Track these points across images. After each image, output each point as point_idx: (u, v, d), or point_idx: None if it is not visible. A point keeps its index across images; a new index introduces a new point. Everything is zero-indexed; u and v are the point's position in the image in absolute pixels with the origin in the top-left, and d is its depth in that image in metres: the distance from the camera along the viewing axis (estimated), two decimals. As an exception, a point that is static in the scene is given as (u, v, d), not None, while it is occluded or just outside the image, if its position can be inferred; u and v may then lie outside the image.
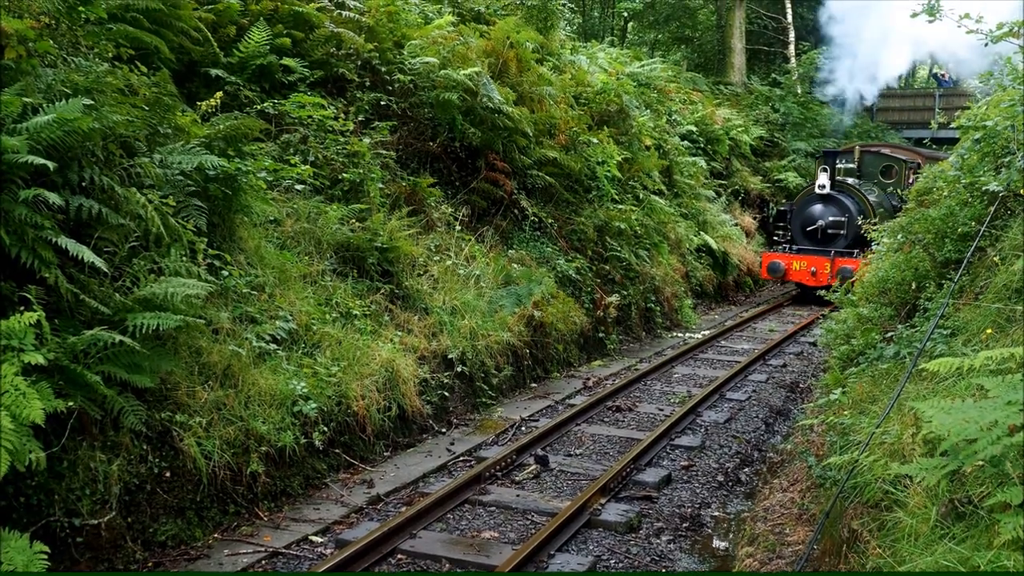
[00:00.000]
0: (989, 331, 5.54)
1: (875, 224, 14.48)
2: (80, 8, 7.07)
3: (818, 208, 19.35)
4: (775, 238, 20.30)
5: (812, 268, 18.72)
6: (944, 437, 3.08)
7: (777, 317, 18.56)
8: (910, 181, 18.91)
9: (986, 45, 8.73)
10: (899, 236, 8.83)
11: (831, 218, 19.07)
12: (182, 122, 7.82)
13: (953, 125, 9.74)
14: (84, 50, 7.24)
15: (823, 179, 19.09)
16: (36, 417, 4.81)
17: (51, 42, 6.66)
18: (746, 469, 8.75)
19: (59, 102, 5.99)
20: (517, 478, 8.07)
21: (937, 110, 32.19)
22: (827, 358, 8.90)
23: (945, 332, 6.28)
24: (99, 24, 7.57)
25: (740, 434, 9.73)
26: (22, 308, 5.33)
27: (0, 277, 5.52)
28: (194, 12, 9.68)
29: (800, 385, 12.05)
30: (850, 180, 20.10)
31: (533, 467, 8.30)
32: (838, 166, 20.08)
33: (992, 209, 7.09)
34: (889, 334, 7.48)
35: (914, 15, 8.65)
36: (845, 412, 6.29)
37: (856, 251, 17.97)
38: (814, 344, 14.58)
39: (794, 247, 19.56)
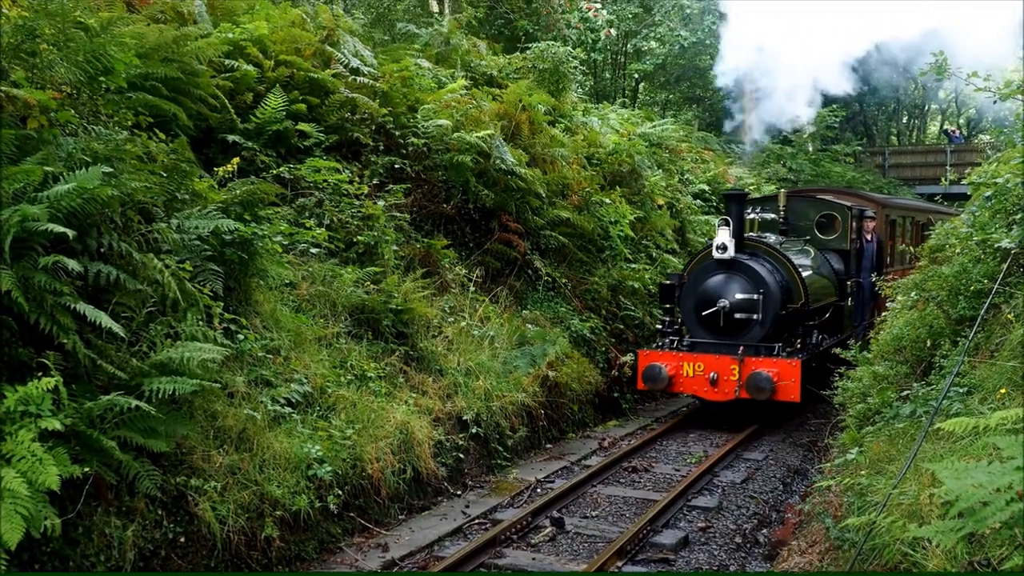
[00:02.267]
0: (1004, 390, 5.51)
1: (808, 305, 12.49)
2: (101, 78, 7.22)
3: (718, 281, 12.33)
4: (659, 327, 13.10)
5: (711, 373, 11.84)
6: (956, 500, 3.07)
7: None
8: (868, 238, 15.09)
9: (995, 103, 8.82)
10: (912, 294, 8.82)
11: (738, 295, 12.11)
12: (199, 188, 7.93)
13: (964, 182, 9.78)
14: (104, 118, 7.39)
15: (723, 237, 12.13)
16: (52, 483, 4.83)
17: (72, 111, 6.80)
18: (764, 530, 8.66)
19: (79, 170, 6.09)
20: (533, 541, 8.00)
21: (948, 166, 32.31)
22: (843, 416, 8.84)
23: (961, 390, 6.24)
24: (119, 93, 7.72)
25: (758, 494, 9.64)
26: (40, 374, 5.37)
27: (19, 343, 5.57)
28: (212, 80, 9.86)
29: (817, 443, 11.95)
30: (770, 237, 13.48)
31: (549, 529, 8.23)
32: (753, 216, 14.11)
33: (1005, 266, 7.09)
34: (905, 392, 7.44)
35: (922, 74, 8.75)
36: (862, 472, 6.24)
37: (778, 346, 12.02)
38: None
39: (684, 341, 12.75)
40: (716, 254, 12.19)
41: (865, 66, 27.17)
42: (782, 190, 15.77)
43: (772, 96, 22.36)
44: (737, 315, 12.09)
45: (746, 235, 12.92)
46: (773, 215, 14.43)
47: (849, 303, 14.48)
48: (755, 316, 12.03)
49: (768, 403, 11.71)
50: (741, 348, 11.79)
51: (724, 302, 12.06)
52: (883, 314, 13.55)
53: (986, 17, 15.01)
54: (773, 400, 11.48)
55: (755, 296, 12.01)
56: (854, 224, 14.85)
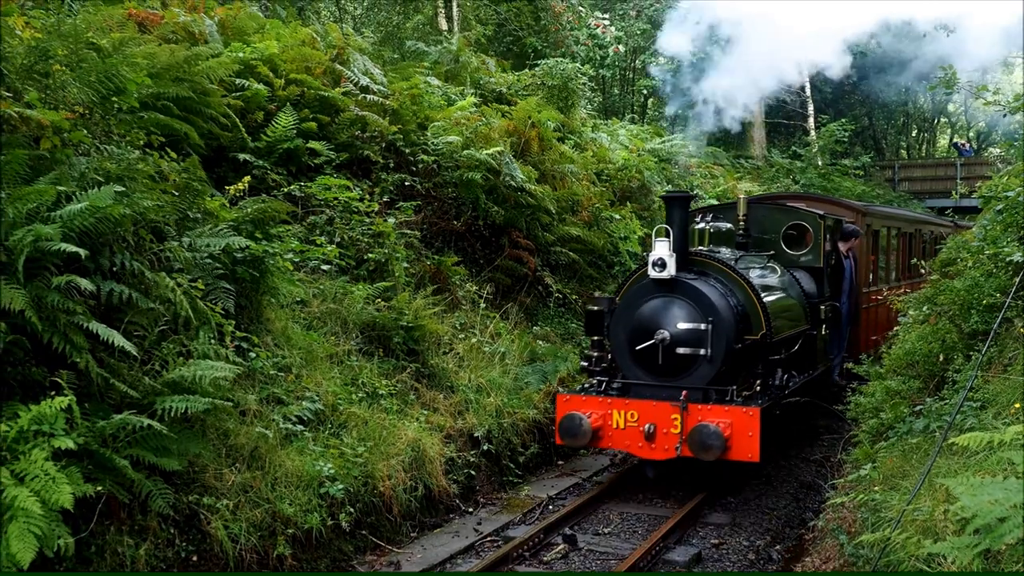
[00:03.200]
0: (1018, 404, 5.48)
1: (771, 336, 9.62)
2: (113, 98, 7.27)
3: (655, 307, 9.47)
4: (584, 364, 10.21)
5: (647, 425, 9.01)
6: (972, 517, 3.05)
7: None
8: (845, 252, 12.99)
9: (1004, 116, 8.82)
10: (924, 308, 8.80)
11: (680, 325, 9.30)
12: (211, 206, 7.97)
13: (975, 196, 9.77)
14: (116, 138, 7.43)
15: (661, 251, 9.31)
16: (65, 502, 4.84)
17: (85, 132, 6.84)
18: (777, 547, 8.61)
19: (92, 190, 6.13)
20: (545, 558, 7.98)
21: (958, 180, 32.24)
22: (856, 431, 8.81)
23: (975, 405, 6.22)
24: (131, 113, 7.78)
25: (771, 510, 9.59)
26: (53, 393, 5.39)
27: (32, 362, 5.60)
28: (223, 99, 9.93)
29: (830, 459, 11.88)
30: (725, 252, 10.78)
31: (561, 547, 8.20)
32: (703, 226, 10.99)
33: (1017, 280, 7.07)
34: (918, 407, 7.41)
35: (931, 88, 8.78)
36: (876, 488, 6.21)
37: (732, 389, 9.20)
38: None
39: (615, 383, 9.78)
40: (653, 272, 9.25)
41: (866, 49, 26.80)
42: (742, 196, 12.66)
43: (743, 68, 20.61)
44: (680, 350, 9.22)
45: (693, 249, 10.20)
46: (729, 225, 11.62)
47: (824, 332, 11.83)
48: (702, 351, 9.16)
49: (720, 463, 8.95)
50: (684, 393, 8.95)
51: (663, 334, 9.18)
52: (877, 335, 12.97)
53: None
54: (725, 459, 8.79)
55: (702, 326, 9.12)
56: (828, 236, 12.22)
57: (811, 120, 33.36)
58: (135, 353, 6.01)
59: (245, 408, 7.41)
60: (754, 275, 10.38)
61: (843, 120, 31.78)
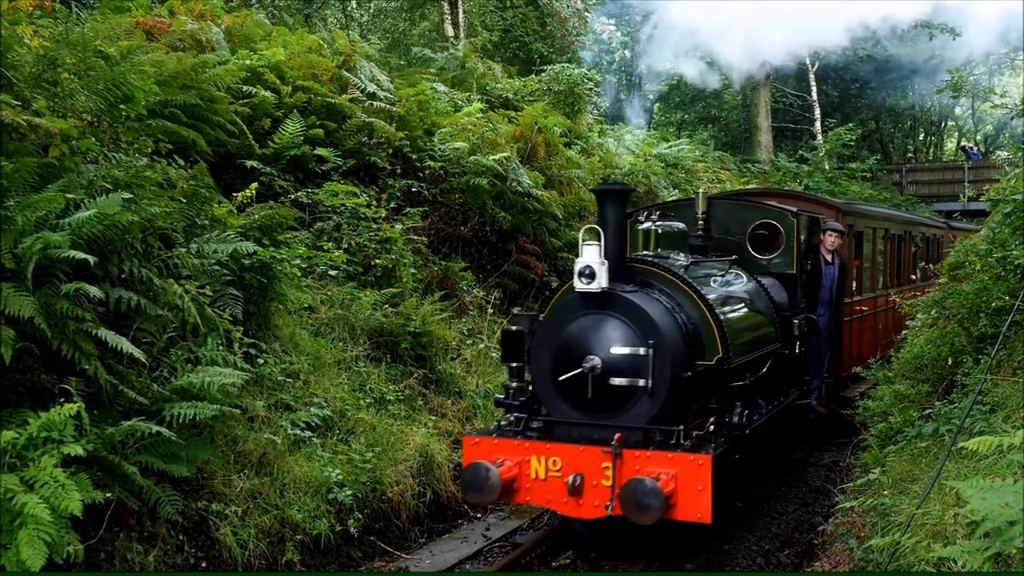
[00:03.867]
0: (1028, 408, 5.47)
1: (729, 360, 7.69)
2: (121, 106, 7.30)
3: (583, 327, 7.57)
4: (499, 397, 8.21)
5: (572, 475, 7.14)
6: (983, 520, 3.05)
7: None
8: (828, 257, 11.01)
9: (1012, 119, 8.78)
10: (933, 311, 8.78)
11: (615, 350, 7.39)
12: (218, 213, 7.99)
13: (983, 199, 9.76)
14: (124, 146, 7.46)
15: (590, 257, 7.44)
16: (75, 509, 4.85)
17: (93, 139, 6.86)
18: (786, 551, 8.58)
19: (100, 197, 6.14)
20: (554, 564, 7.96)
21: (966, 183, 32.16)
22: (865, 435, 8.80)
23: (984, 408, 6.21)
24: (139, 120, 7.80)
25: (779, 515, 9.56)
26: (62, 400, 5.40)
27: (41, 369, 5.61)
28: (230, 106, 9.95)
29: (840, 463, 11.85)
30: (678, 257, 8.88)
31: (569, 552, 8.19)
32: (648, 227, 9.37)
33: (1026, 283, 7.06)
34: (927, 411, 7.40)
35: (938, 91, 8.78)
36: (885, 492, 6.20)
37: (679, 430, 7.27)
38: None
39: (535, 421, 7.80)
40: (579, 284, 7.32)
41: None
42: (701, 190, 11.15)
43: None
44: (614, 380, 7.27)
45: (633, 255, 8.49)
46: (681, 225, 9.61)
47: (798, 350, 9.78)
48: (641, 382, 7.21)
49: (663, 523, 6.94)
50: (617, 436, 6.96)
51: (593, 360, 7.22)
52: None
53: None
54: (668, 519, 6.86)
55: (641, 350, 7.20)
56: (802, 238, 10.39)
57: (818, 124, 33.35)
58: (144, 360, 6.03)
59: (253, 414, 7.42)
60: (711, 285, 8.65)
61: (850, 124, 31.73)
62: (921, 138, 47.30)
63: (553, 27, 24.68)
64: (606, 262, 7.31)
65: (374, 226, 10.73)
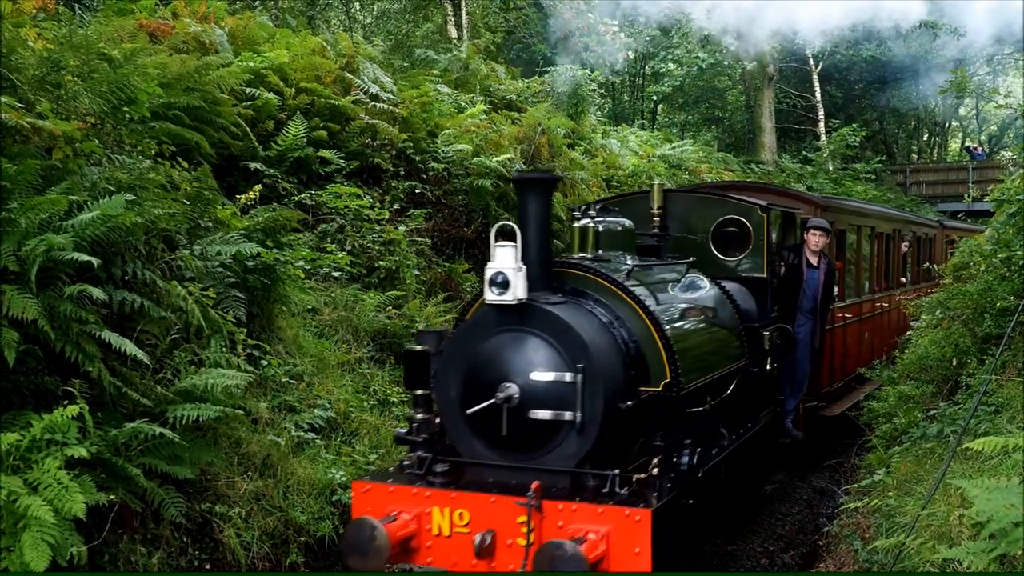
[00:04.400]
0: (1033, 408, 5.46)
1: (679, 386, 6.28)
2: (124, 108, 7.30)
3: (497, 347, 5.96)
4: (400, 432, 6.43)
5: (482, 534, 5.42)
6: (988, 521, 3.04)
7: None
8: (813, 261, 9.66)
9: (1016, 119, 8.77)
10: (937, 312, 8.77)
11: (535, 376, 5.77)
12: (222, 215, 7.99)
13: (987, 199, 9.74)
14: (128, 148, 7.46)
15: (503, 262, 5.80)
16: (78, 511, 4.85)
17: (96, 141, 6.87)
18: (791, 552, 8.57)
19: (103, 199, 6.15)
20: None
21: (970, 183, 32.13)
22: (870, 436, 8.78)
23: (989, 409, 6.19)
24: (142, 122, 7.81)
25: (784, 516, 9.55)
26: (65, 402, 5.40)
27: (45, 371, 5.61)
28: (233, 108, 9.96)
29: (844, 464, 11.83)
30: (624, 261, 7.18)
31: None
32: (585, 224, 7.15)
33: (1030, 283, 7.05)
34: (931, 412, 7.38)
35: (942, 92, 8.77)
36: (890, 493, 6.19)
37: (614, 474, 5.64)
38: None
39: (440, 464, 6.12)
40: (491, 295, 5.84)
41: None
42: (657, 181, 9.50)
43: None
44: (535, 414, 5.79)
45: (563, 258, 6.97)
46: (627, 223, 7.53)
47: (771, 367, 8.52)
48: (568, 415, 5.75)
49: None
50: (535, 485, 5.45)
51: (509, 389, 5.79)
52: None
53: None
54: None
55: (568, 376, 5.75)
56: (774, 236, 8.97)
57: (822, 125, 33.34)
58: (147, 362, 6.02)
59: (257, 416, 7.41)
60: (664, 293, 7.16)
61: (854, 124, 31.72)
62: (925, 138, 47.27)
63: (556, 28, 24.67)
64: (523, 267, 5.80)
65: (378, 228, 10.73)
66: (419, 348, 6.36)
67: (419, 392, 6.30)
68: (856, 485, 7.90)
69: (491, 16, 24.69)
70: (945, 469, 5.12)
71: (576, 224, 7.16)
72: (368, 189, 11.50)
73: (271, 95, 10.82)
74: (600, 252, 7.03)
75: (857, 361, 12.25)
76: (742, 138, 33.96)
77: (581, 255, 6.96)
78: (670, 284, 7.50)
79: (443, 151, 12.69)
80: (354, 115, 11.74)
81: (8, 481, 4.86)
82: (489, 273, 5.81)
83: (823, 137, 32.88)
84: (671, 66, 28.56)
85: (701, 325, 7.40)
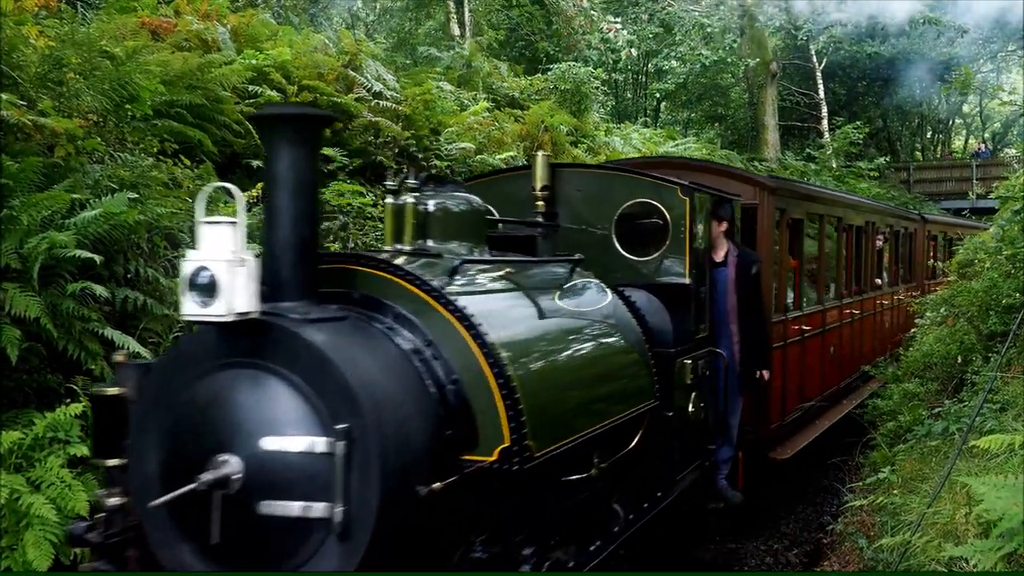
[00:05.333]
0: (1040, 406, 5.44)
1: (523, 453, 3.94)
2: (127, 106, 7.29)
3: (209, 393, 3.58)
4: (77, 524, 3.98)
5: None
6: (997, 520, 3.01)
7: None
8: (725, 252, 7.35)
9: (1021, 116, 8.74)
10: (942, 309, 8.74)
11: (269, 443, 3.40)
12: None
13: (992, 196, 9.72)
14: (130, 146, 7.45)
15: (209, 251, 3.58)
16: (81, 509, 4.84)
17: (99, 139, 6.86)
18: (795, 550, 8.56)
19: (105, 197, 6.14)
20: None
21: (974, 181, 32.09)
22: (874, 435, 8.75)
23: (994, 407, 6.17)
24: (144, 120, 7.79)
25: (788, 514, 9.53)
26: (68, 400, 5.39)
27: (47, 370, 5.60)
28: (236, 106, 9.93)
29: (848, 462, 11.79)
30: (458, 254, 4.78)
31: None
32: (411, 202, 4.76)
33: (1036, 280, 7.02)
34: (936, 410, 7.36)
35: (946, 89, 8.75)
36: (895, 491, 6.17)
37: None
38: None
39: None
40: (189, 305, 3.55)
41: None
42: (542, 154, 6.82)
43: None
44: (267, 507, 3.42)
45: (341, 249, 5.60)
46: (476, 200, 5.28)
47: (693, 408, 6.36)
48: (321, 509, 3.37)
49: None
50: None
51: (224, 465, 3.42)
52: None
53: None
54: None
55: (320, 444, 3.39)
56: (700, 228, 6.63)
57: (825, 122, 33.29)
58: (150, 360, 6.01)
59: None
60: (516, 310, 4.88)
61: (857, 122, 31.67)
62: (928, 136, 47.21)
63: (559, 26, 24.66)
64: (252, 260, 3.62)
65: (380, 225, 10.71)
66: (112, 391, 3.95)
67: (112, 462, 3.87)
68: (861, 483, 7.88)
69: (494, 13, 24.66)
70: (951, 467, 5.09)
71: (390, 201, 4.83)
72: (371, 187, 11.48)
73: (273, 93, 10.79)
74: (428, 242, 4.77)
75: (820, 383, 9.89)
76: (745, 136, 33.88)
77: (396, 247, 4.73)
78: (537, 293, 5.13)
79: (446, 149, 12.67)
80: (357, 113, 11.72)
81: (10, 480, 4.85)
82: (188, 269, 3.58)
83: (826, 134, 32.83)
84: (674, 63, 28.49)
85: (581, 354, 5.05)
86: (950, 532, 4.61)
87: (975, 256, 9.30)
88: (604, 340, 5.29)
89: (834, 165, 30.74)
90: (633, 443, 5.47)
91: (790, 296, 9.23)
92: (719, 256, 7.23)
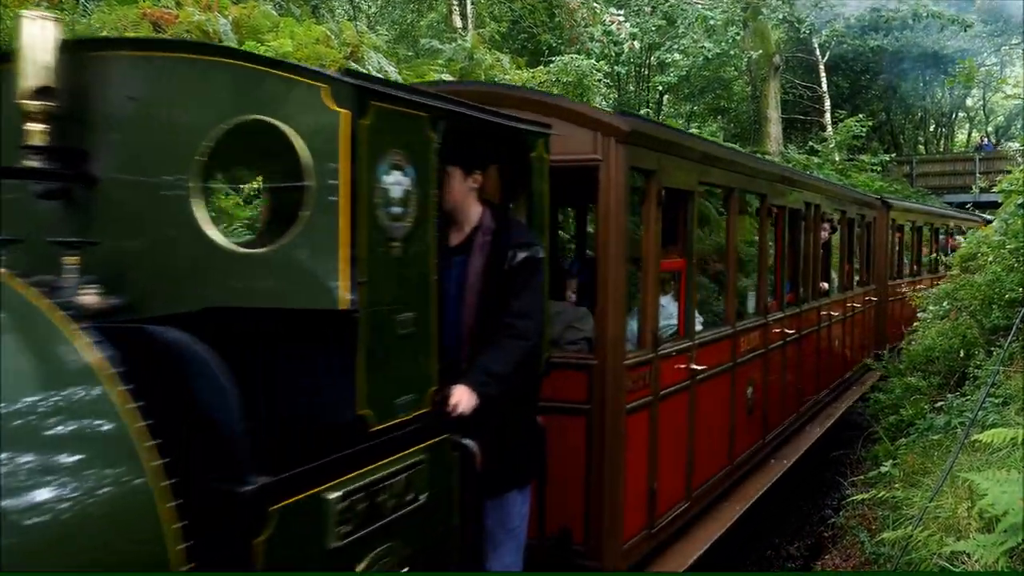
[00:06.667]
0: (1042, 400, 5.43)
1: None
2: (128, 98, 7.26)
3: None
4: None
5: None
6: (1001, 515, 3.00)
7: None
8: (472, 229, 4.07)
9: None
10: (944, 303, 8.73)
11: None
12: (225, 205, 7.96)
13: (995, 190, 9.69)
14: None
15: None
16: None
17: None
18: (796, 544, 8.55)
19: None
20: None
21: (977, 174, 32.04)
22: (876, 428, 8.74)
23: (997, 401, 6.15)
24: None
25: (789, 508, 9.52)
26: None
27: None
28: (238, 98, 9.92)
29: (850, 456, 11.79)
30: None
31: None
32: None
33: (1039, 274, 7.01)
34: (939, 404, 7.35)
35: (950, 83, 8.72)
36: (896, 485, 6.16)
37: None
38: None
39: None
40: None
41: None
42: (35, 13, 2.83)
43: None
44: None
45: None
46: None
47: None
48: None
49: None
50: None
51: None
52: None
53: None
54: None
55: None
56: (389, 181, 3.06)
57: (828, 115, 33.23)
58: (150, 352, 6.00)
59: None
60: None
61: (860, 115, 31.61)
62: (932, 129, 47.13)
63: (562, 18, 24.60)
64: None
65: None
66: None
67: None
68: (862, 477, 7.87)
69: (496, 6, 24.60)
70: (953, 461, 5.08)
71: None
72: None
73: (275, 84, 10.77)
74: None
75: (727, 451, 6.97)
76: (748, 129, 33.81)
77: None
78: None
79: (448, 141, 12.65)
80: (358, 106, 11.70)
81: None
82: None
83: (829, 128, 32.78)
84: (677, 56, 28.41)
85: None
86: (952, 526, 4.60)
87: (978, 249, 9.28)
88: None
89: (837, 158, 30.69)
90: None
91: (669, 318, 6.10)
92: (459, 236, 4.13)
